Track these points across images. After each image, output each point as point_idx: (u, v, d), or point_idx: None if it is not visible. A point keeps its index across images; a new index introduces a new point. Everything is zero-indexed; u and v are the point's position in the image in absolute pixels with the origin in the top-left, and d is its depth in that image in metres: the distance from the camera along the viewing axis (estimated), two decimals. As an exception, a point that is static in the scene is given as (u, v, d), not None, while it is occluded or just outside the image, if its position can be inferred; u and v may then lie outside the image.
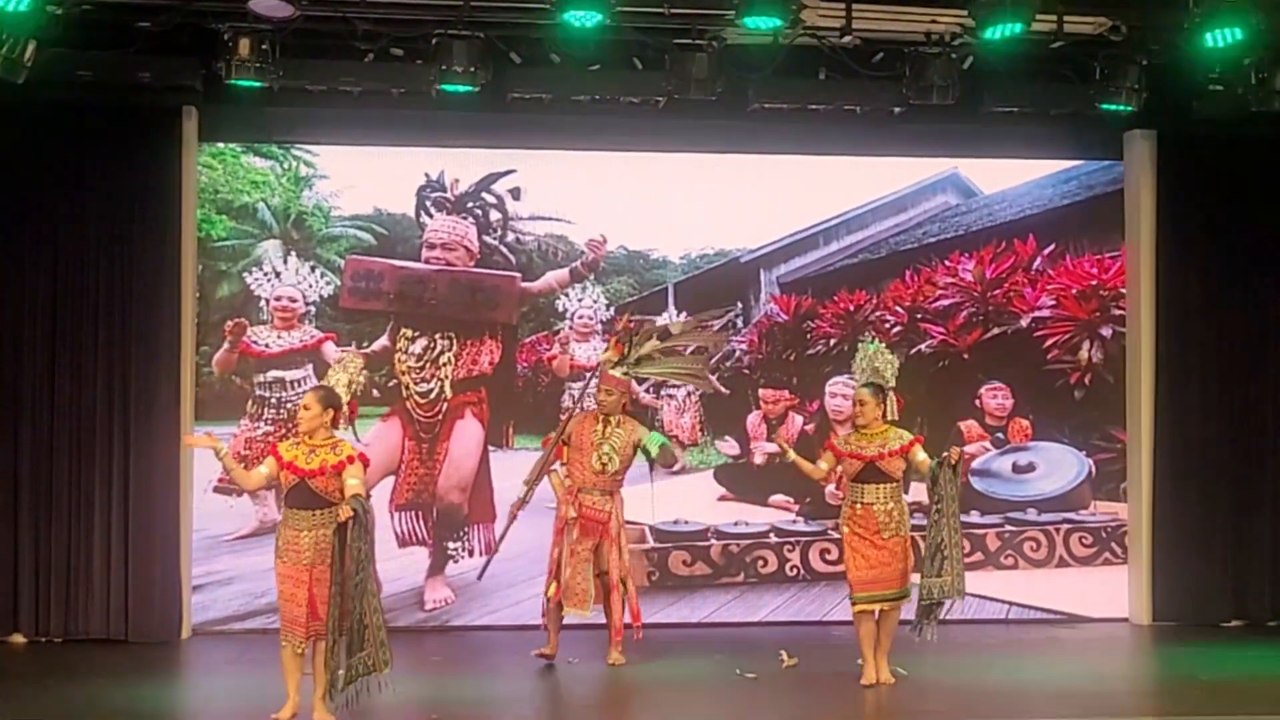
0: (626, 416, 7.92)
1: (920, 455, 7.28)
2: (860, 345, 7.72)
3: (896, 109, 8.46)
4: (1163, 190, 9.46)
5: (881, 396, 7.31)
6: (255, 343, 9.16)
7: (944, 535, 7.10)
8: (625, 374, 7.95)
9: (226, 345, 9.11)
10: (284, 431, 9.09)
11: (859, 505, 7.28)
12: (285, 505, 6.42)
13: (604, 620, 7.82)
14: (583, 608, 7.64)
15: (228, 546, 9.04)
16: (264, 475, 6.49)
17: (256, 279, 9.22)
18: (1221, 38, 7.40)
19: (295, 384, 9.18)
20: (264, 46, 7.69)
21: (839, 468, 7.45)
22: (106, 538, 8.64)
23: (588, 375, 9.38)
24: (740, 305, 9.65)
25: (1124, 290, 9.63)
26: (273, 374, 9.17)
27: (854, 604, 7.30)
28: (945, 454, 7.19)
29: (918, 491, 8.08)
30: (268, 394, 9.16)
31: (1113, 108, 8.33)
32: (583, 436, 7.80)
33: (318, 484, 6.31)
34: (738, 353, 9.61)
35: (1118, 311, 9.64)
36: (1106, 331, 9.64)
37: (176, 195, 8.84)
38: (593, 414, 7.89)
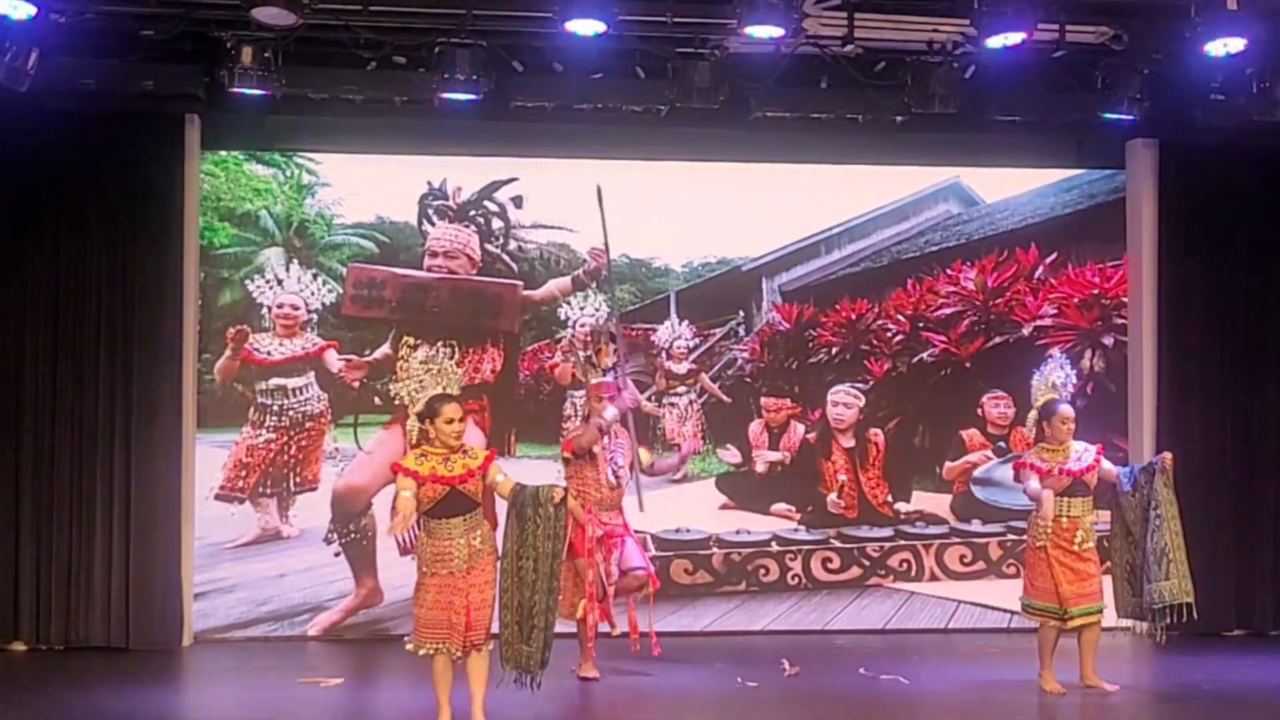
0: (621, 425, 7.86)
1: (1108, 464, 7.43)
2: (1048, 364, 7.68)
3: (898, 118, 8.48)
4: (1164, 199, 9.47)
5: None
6: (257, 350, 9.17)
7: (1167, 539, 7.23)
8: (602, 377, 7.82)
9: (228, 353, 9.11)
10: (286, 439, 9.11)
11: (1064, 519, 7.31)
12: (430, 517, 6.20)
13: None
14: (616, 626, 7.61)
15: (229, 554, 9.04)
16: (410, 499, 6.16)
17: (258, 286, 9.22)
18: (1223, 47, 7.41)
19: (297, 391, 9.18)
20: (266, 55, 7.70)
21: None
22: (108, 545, 8.64)
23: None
24: (742, 314, 9.66)
25: (1126, 299, 9.63)
26: (274, 381, 9.17)
27: (1068, 619, 7.29)
28: (1159, 459, 7.33)
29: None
30: (270, 401, 9.16)
31: (1114, 117, 8.34)
32: (597, 454, 7.63)
33: (468, 488, 6.23)
34: (740, 361, 9.62)
35: (1119, 320, 9.64)
36: (1108, 340, 9.64)
37: (179, 203, 8.86)
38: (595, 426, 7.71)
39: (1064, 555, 7.29)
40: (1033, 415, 7.53)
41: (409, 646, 6.34)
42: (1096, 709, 7.24)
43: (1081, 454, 7.37)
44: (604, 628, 7.63)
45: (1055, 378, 7.52)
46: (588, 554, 7.51)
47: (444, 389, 6.35)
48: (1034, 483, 7.35)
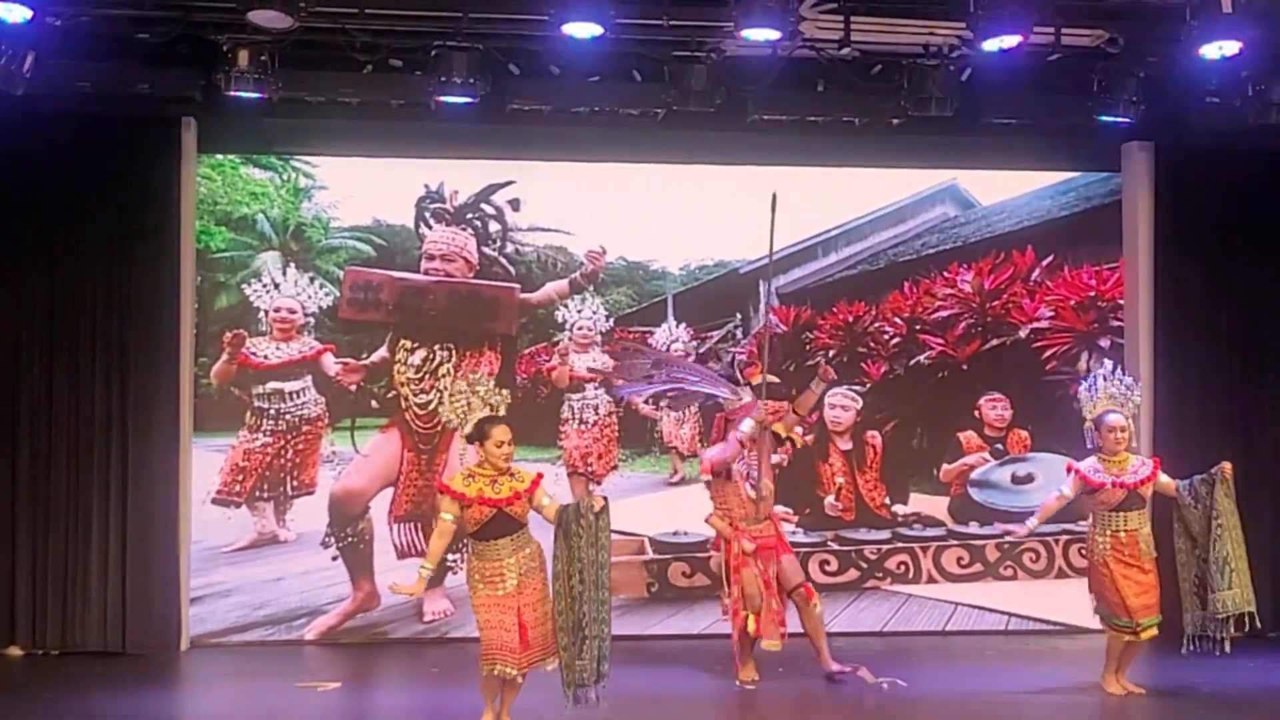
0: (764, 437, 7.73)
1: (1165, 477, 7.40)
2: (1097, 375, 7.62)
3: (895, 121, 8.48)
4: (1160, 202, 9.48)
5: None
6: (254, 354, 9.16)
7: (1229, 549, 7.22)
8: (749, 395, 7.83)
9: (225, 356, 9.10)
10: (283, 442, 9.10)
11: (1123, 533, 7.32)
12: (478, 539, 6.27)
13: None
14: (776, 641, 7.56)
15: (226, 558, 9.02)
16: (451, 524, 6.28)
17: (255, 290, 9.21)
18: (1218, 50, 7.41)
19: (294, 395, 9.17)
20: (263, 58, 7.69)
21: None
22: (104, 549, 8.63)
23: (587, 386, 9.43)
24: (739, 316, 9.66)
25: (1122, 301, 9.64)
26: (271, 385, 9.16)
27: (1141, 631, 7.29)
28: (1219, 468, 7.29)
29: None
30: (266, 405, 9.15)
31: (1110, 120, 8.35)
32: (737, 470, 7.69)
33: (515, 510, 6.27)
34: (737, 363, 9.61)
35: (1116, 323, 9.65)
36: (1105, 343, 9.64)
37: (175, 206, 8.85)
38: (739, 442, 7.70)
39: (1128, 569, 7.29)
40: (1088, 426, 7.47)
41: (483, 668, 6.32)
42: (1098, 713, 7.25)
43: (1138, 467, 7.36)
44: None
45: (1113, 388, 7.45)
46: (736, 569, 7.56)
47: (493, 410, 6.39)
48: (1054, 497, 7.44)
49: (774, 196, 7.72)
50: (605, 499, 6.24)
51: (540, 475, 6.48)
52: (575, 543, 6.15)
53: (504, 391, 6.61)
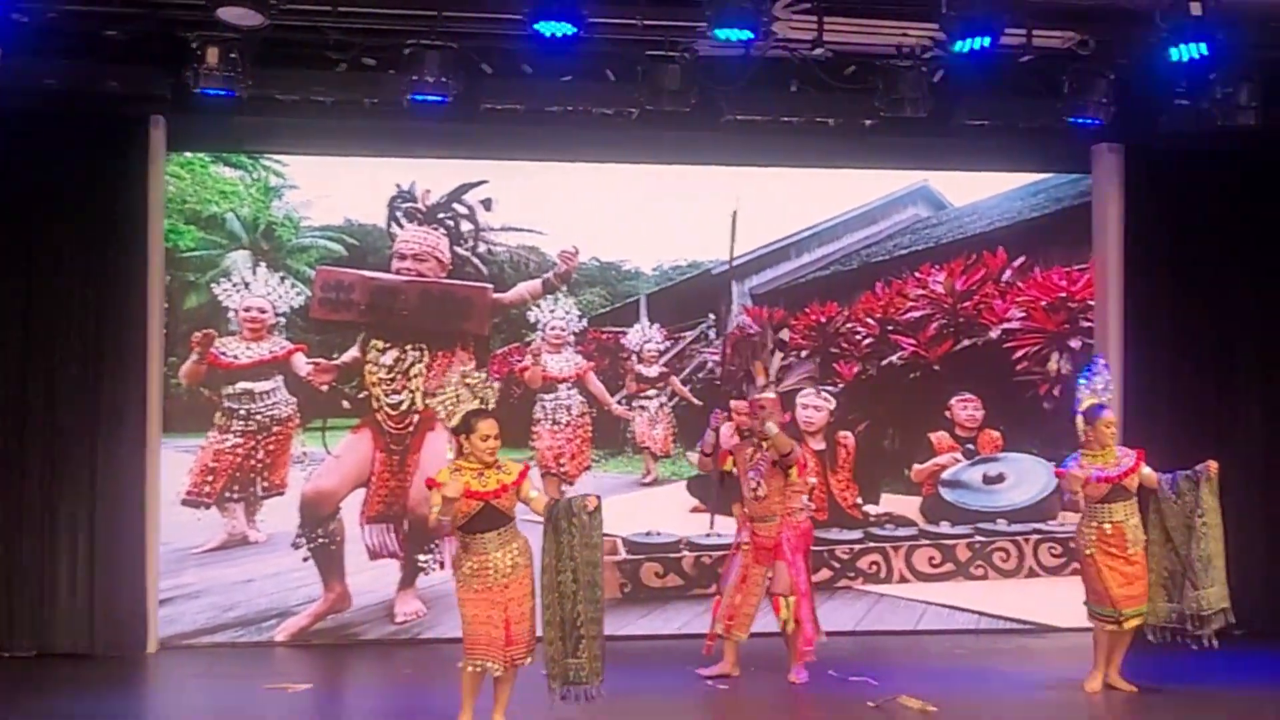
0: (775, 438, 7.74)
1: (1148, 470, 7.49)
2: (1088, 375, 7.70)
3: (868, 121, 8.50)
4: (1130, 203, 9.55)
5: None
6: (224, 354, 9.10)
7: (1212, 546, 7.33)
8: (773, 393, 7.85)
9: (194, 356, 9.04)
10: (253, 443, 9.05)
11: (1108, 525, 7.40)
12: (465, 532, 6.24)
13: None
14: (729, 633, 7.73)
15: (196, 559, 8.96)
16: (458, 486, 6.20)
17: (225, 290, 9.16)
18: (1187, 53, 7.46)
19: (264, 395, 9.12)
20: (233, 55, 7.61)
21: None
22: (73, 550, 8.56)
23: (560, 387, 9.42)
24: (712, 317, 9.67)
25: (1092, 302, 9.70)
26: (241, 385, 9.10)
27: (1124, 620, 7.39)
28: (1205, 466, 7.38)
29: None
30: (236, 405, 9.09)
31: (1081, 121, 8.39)
32: (740, 464, 7.82)
33: (502, 503, 6.26)
34: (709, 364, 9.62)
35: (1086, 323, 9.71)
36: (1075, 343, 9.70)
37: (144, 205, 8.78)
38: (749, 440, 7.83)
39: (1113, 560, 7.39)
40: (1080, 421, 7.54)
41: (460, 664, 6.33)
42: (1067, 711, 7.29)
43: (1121, 459, 7.46)
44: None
45: (1098, 382, 7.58)
46: (730, 557, 7.84)
47: (481, 403, 6.40)
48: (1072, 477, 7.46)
49: (734, 214, 7.84)
50: (599, 498, 6.23)
51: (528, 466, 6.51)
52: (566, 540, 6.14)
53: (495, 385, 6.61)
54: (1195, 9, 7.28)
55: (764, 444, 7.64)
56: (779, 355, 8.04)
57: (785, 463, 7.59)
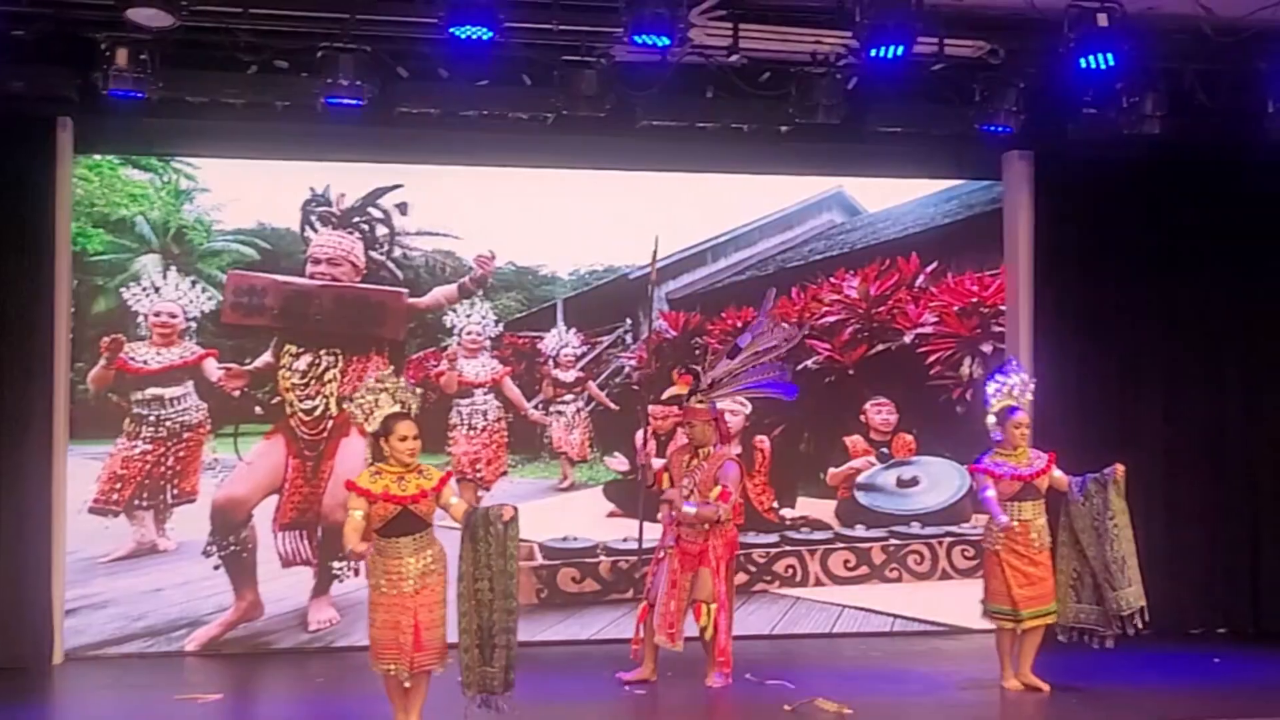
0: (718, 450, 7.80)
1: (1058, 472, 7.63)
2: (1000, 375, 7.81)
3: (783, 128, 8.57)
4: (1040, 209, 9.71)
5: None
6: (133, 359, 8.94)
7: (1124, 547, 7.48)
8: (701, 402, 7.81)
9: (103, 362, 8.87)
10: (163, 450, 8.90)
11: (1016, 523, 7.50)
12: (380, 536, 6.17)
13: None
14: (674, 642, 7.62)
15: (103, 568, 8.80)
16: (361, 520, 6.14)
17: (134, 294, 9.00)
18: (1094, 62, 7.61)
19: (174, 401, 8.98)
20: (143, 56, 7.50)
21: None
22: (-25, 560, 8.36)
23: (476, 392, 9.38)
24: (629, 321, 9.68)
25: (1004, 307, 9.85)
26: (151, 391, 8.95)
27: (1021, 621, 7.50)
28: (1112, 469, 7.54)
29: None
30: (146, 412, 8.94)
31: (991, 129, 8.53)
32: (676, 470, 7.80)
33: (420, 508, 6.19)
34: (626, 369, 9.64)
35: (998, 328, 9.86)
36: (987, 348, 9.84)
37: (51, 208, 8.61)
38: (686, 446, 7.87)
39: (1016, 559, 7.52)
40: (990, 420, 7.67)
41: (373, 668, 6.30)
42: (979, 711, 7.39)
43: (1034, 460, 7.60)
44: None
45: (1014, 383, 7.70)
46: (654, 562, 7.78)
47: (401, 406, 6.32)
48: (990, 491, 7.55)
49: (655, 239, 7.97)
50: (515, 509, 6.20)
51: (450, 474, 6.49)
52: (482, 548, 6.10)
53: (418, 390, 6.58)
54: (1102, 20, 7.43)
55: (700, 453, 7.71)
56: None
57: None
